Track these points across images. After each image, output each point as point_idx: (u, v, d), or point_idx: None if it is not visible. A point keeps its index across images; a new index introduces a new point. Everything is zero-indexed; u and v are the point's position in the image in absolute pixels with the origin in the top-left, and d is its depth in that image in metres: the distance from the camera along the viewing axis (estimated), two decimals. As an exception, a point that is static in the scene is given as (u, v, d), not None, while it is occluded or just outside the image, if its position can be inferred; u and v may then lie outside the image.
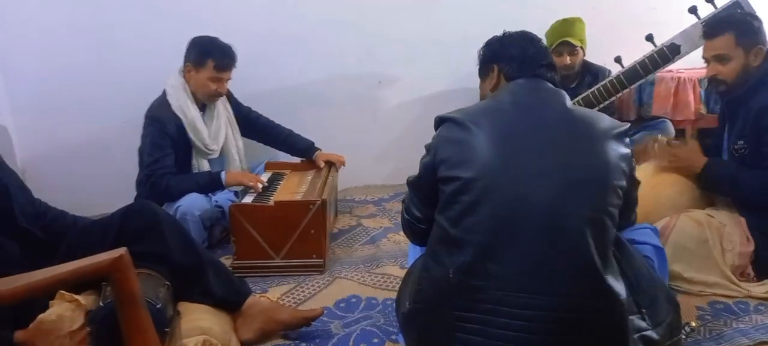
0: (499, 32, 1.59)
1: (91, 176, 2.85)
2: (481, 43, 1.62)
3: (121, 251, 0.78)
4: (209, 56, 2.38)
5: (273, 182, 2.57)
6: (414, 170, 1.54)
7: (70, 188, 2.79)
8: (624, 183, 1.30)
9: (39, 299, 1.49)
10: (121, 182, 2.52)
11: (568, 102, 1.36)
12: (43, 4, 2.64)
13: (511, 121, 1.33)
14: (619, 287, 1.28)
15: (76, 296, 1.53)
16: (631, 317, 1.32)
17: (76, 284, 1.38)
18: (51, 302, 1.51)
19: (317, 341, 1.75)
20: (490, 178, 1.25)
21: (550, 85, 1.42)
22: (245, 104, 2.75)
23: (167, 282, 1.62)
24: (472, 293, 1.26)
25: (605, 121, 1.34)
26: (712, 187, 2.07)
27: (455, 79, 3.21)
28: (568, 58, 2.71)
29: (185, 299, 1.71)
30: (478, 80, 1.64)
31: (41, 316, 1.43)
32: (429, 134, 1.47)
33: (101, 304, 1.48)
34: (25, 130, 2.75)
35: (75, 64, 2.72)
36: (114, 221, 1.70)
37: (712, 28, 1.99)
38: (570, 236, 1.23)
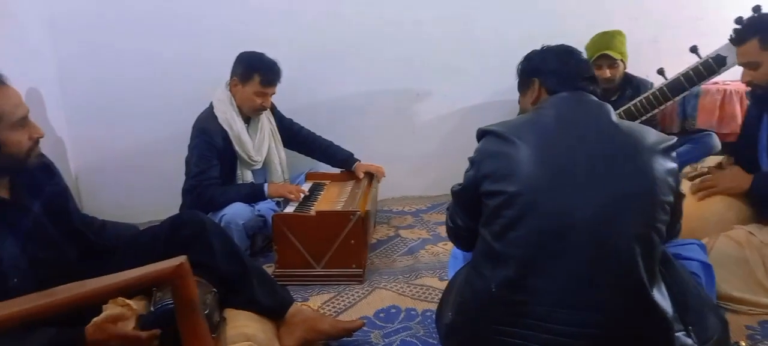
0: (537, 45, 1.60)
1: (140, 184, 2.95)
2: (519, 56, 1.62)
3: (182, 258, 0.82)
4: (255, 71, 2.45)
5: (313, 192, 2.62)
6: (451, 182, 1.55)
7: (119, 195, 2.91)
8: (671, 198, 1.28)
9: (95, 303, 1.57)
10: (168, 190, 2.61)
11: (613, 115, 1.35)
12: (98, 20, 2.76)
13: (554, 135, 1.32)
14: (665, 303, 1.27)
15: (128, 301, 1.60)
16: (677, 334, 1.30)
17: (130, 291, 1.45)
18: (104, 306, 1.58)
19: (358, 350, 1.78)
20: (534, 192, 1.25)
21: (594, 98, 1.41)
22: (287, 116, 2.81)
23: (214, 289, 1.67)
24: (514, 307, 1.27)
25: (652, 135, 1.32)
26: (764, 201, 2.01)
27: (494, 92, 3.21)
28: (607, 71, 2.69)
29: (231, 306, 1.75)
30: (516, 93, 1.65)
31: (95, 319, 1.50)
32: (467, 147, 1.48)
33: (151, 309, 1.54)
34: (78, 141, 2.87)
35: (126, 77, 2.84)
36: (163, 229, 1.76)
37: (737, 35, 1.98)
38: (616, 252, 1.22)
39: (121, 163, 2.95)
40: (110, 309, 1.57)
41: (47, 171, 1.64)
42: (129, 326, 1.52)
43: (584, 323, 1.21)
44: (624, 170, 1.26)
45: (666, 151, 1.30)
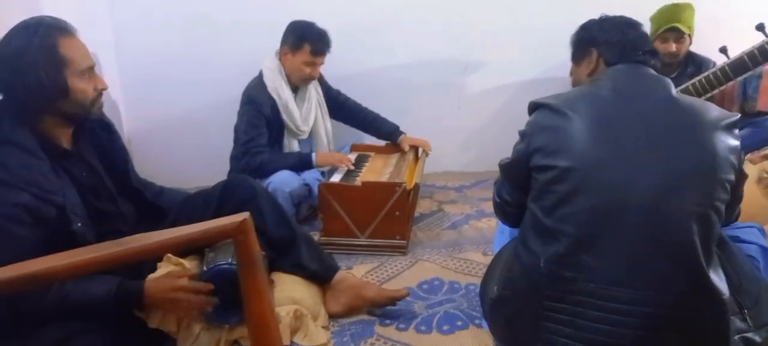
0: (589, 18, 1.55)
1: (189, 150, 3.02)
2: (571, 30, 1.57)
3: (245, 215, 0.84)
4: (306, 40, 2.47)
5: (358, 163, 2.63)
6: (497, 159, 1.53)
7: (169, 161, 2.99)
8: (732, 177, 1.24)
9: (149, 260, 1.63)
10: (217, 157, 2.66)
11: (673, 90, 1.31)
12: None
13: (611, 109, 1.28)
14: (722, 285, 1.24)
15: (181, 260, 1.66)
16: (731, 318, 1.27)
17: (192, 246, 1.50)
18: (158, 263, 1.64)
19: (401, 319, 1.80)
20: (588, 168, 1.22)
21: (653, 72, 1.37)
22: (334, 87, 2.82)
23: (263, 252, 1.71)
24: (564, 284, 1.25)
25: (714, 111, 1.27)
26: None
27: (543, 67, 3.14)
28: (674, 45, 2.59)
29: (278, 270, 1.80)
30: (566, 68, 1.60)
31: (150, 276, 1.56)
32: (513, 123, 1.46)
33: (204, 269, 1.59)
34: (132, 105, 2.96)
35: (179, 45, 2.89)
36: (215, 193, 1.81)
37: None
38: (673, 230, 1.19)
39: (172, 129, 3.03)
40: (164, 267, 1.63)
41: (107, 130, 1.70)
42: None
43: (636, 302, 1.19)
44: (683, 146, 1.22)
45: (729, 128, 1.25)
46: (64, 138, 1.53)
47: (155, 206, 1.81)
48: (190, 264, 1.66)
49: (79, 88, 1.45)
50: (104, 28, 2.81)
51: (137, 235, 0.89)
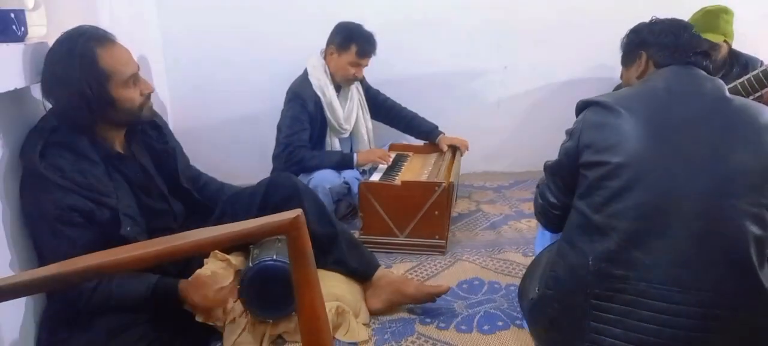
0: (636, 18, 1.54)
1: (233, 148, 3.10)
2: (614, 31, 1.57)
3: (298, 211, 0.86)
4: (353, 42, 2.51)
5: (397, 162, 2.65)
6: (536, 160, 1.52)
7: (214, 160, 3.06)
8: None
9: (196, 255, 1.68)
10: (260, 158, 2.73)
11: (726, 91, 1.29)
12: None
13: (664, 108, 1.28)
14: (774, 289, 1.21)
15: (228, 256, 1.71)
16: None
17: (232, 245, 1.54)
18: (205, 259, 1.69)
19: (442, 317, 1.81)
20: (641, 164, 1.22)
21: (705, 73, 1.35)
22: (374, 87, 2.85)
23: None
24: (613, 282, 1.24)
25: (767, 112, 1.25)
26: None
27: (585, 67, 3.10)
28: None
29: (320, 266, 1.83)
30: (610, 69, 1.59)
31: (198, 271, 1.61)
32: (553, 125, 1.45)
33: (250, 265, 1.64)
34: (178, 106, 3.05)
35: (224, 43, 2.96)
36: (259, 190, 1.85)
37: None
38: (727, 229, 1.17)
39: (216, 128, 3.10)
40: (210, 263, 1.68)
41: (158, 129, 1.76)
42: (228, 280, 1.62)
43: (688, 302, 1.18)
44: (738, 146, 1.21)
45: None
46: (117, 141, 1.59)
47: (203, 202, 1.87)
48: (235, 260, 1.71)
49: (125, 97, 1.49)
50: (153, 31, 2.90)
51: (192, 230, 0.92)
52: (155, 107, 2.76)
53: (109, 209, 1.45)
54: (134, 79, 1.53)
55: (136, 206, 1.57)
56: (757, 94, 2.33)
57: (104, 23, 2.15)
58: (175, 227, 1.74)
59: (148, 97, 1.59)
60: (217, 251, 1.68)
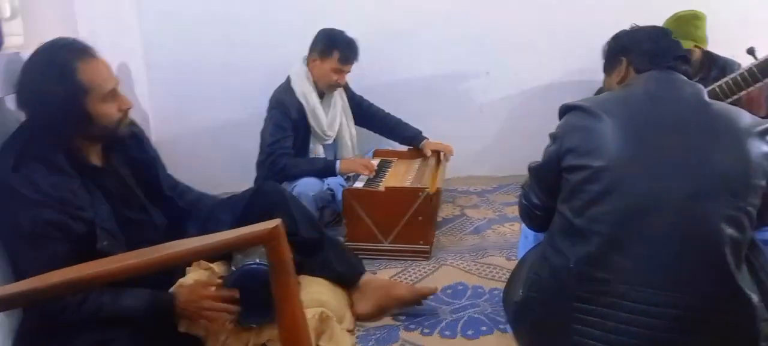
0: (615, 23, 1.57)
1: (217, 156, 3.07)
2: (595, 35, 1.59)
3: (277, 222, 0.86)
4: (335, 48, 2.51)
5: (381, 168, 2.65)
6: (519, 164, 1.54)
7: (196, 168, 3.03)
8: (764, 183, 1.24)
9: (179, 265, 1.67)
10: (242, 165, 2.71)
11: (705, 95, 1.32)
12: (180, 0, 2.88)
13: (644, 112, 1.30)
14: (750, 289, 1.24)
15: (210, 264, 1.69)
16: (761, 324, 1.25)
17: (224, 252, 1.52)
18: (188, 268, 1.67)
19: (426, 323, 1.81)
20: (621, 168, 1.24)
21: (684, 77, 1.37)
22: (358, 94, 2.85)
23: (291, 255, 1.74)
24: (594, 284, 1.26)
25: (747, 117, 1.28)
26: None
27: (567, 71, 3.12)
28: None
29: (305, 272, 1.82)
30: (590, 73, 1.62)
31: (181, 280, 1.60)
32: (535, 128, 1.47)
33: (233, 269, 1.63)
34: (160, 114, 3.02)
35: (206, 51, 2.95)
36: (244, 198, 1.84)
37: None
38: (705, 232, 1.20)
39: (199, 136, 3.08)
40: (194, 272, 1.66)
41: (137, 139, 1.74)
42: (211, 289, 1.61)
43: (666, 304, 1.20)
44: (716, 150, 1.23)
45: (762, 135, 1.26)
46: (95, 154, 1.56)
47: (187, 213, 1.85)
48: (219, 268, 1.69)
49: (103, 113, 1.46)
50: (133, 37, 2.88)
51: (171, 242, 0.91)
52: (136, 115, 2.75)
53: (86, 223, 1.42)
54: (113, 94, 1.49)
55: (114, 220, 1.55)
56: (734, 97, 2.36)
57: (83, 31, 2.13)
58: (157, 237, 1.71)
59: (127, 112, 1.55)
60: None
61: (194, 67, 2.96)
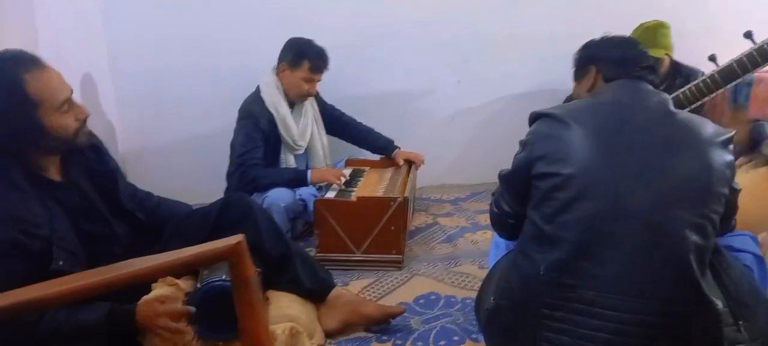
0: (583, 32, 1.60)
1: (187, 167, 3.02)
2: (563, 43, 1.62)
3: (240, 237, 0.84)
4: (305, 57, 2.49)
5: (353, 178, 2.64)
6: (491, 171, 1.54)
7: (165, 179, 2.98)
8: (726, 190, 1.27)
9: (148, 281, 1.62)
10: (213, 175, 2.66)
11: (671, 105, 1.34)
12: (148, 9, 2.83)
13: (611, 120, 1.31)
14: (716, 296, 1.25)
15: (176, 280, 1.65)
16: (726, 329, 1.27)
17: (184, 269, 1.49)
18: (153, 284, 1.63)
19: (398, 334, 1.80)
20: (589, 176, 1.25)
21: (651, 87, 1.39)
22: (329, 103, 2.84)
23: (258, 269, 1.71)
24: (564, 291, 1.26)
25: (709, 126, 1.31)
26: None
27: (535, 80, 3.16)
28: None
29: (274, 287, 1.79)
30: (560, 81, 1.64)
31: (145, 297, 1.55)
32: (506, 136, 1.48)
33: (198, 285, 1.59)
34: (127, 125, 2.96)
35: (175, 63, 2.90)
36: (211, 210, 1.81)
37: None
38: (670, 239, 1.21)
39: (167, 147, 3.03)
40: (159, 288, 1.62)
41: (97, 151, 1.69)
42: (177, 304, 1.57)
43: (634, 310, 1.21)
44: (681, 159, 1.25)
45: (724, 144, 1.29)
46: (52, 168, 1.51)
47: (151, 223, 1.81)
48: (185, 284, 1.66)
49: (58, 125, 1.41)
50: (99, 45, 2.82)
51: (129, 260, 0.88)
52: (101, 126, 2.71)
53: (43, 240, 1.37)
54: (68, 104, 1.44)
55: (74, 235, 1.50)
56: (697, 103, 2.42)
57: (45, 42, 2.08)
58: (120, 251, 1.67)
59: (84, 122, 1.50)
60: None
61: (162, 77, 2.91)
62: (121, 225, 1.71)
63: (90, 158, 1.65)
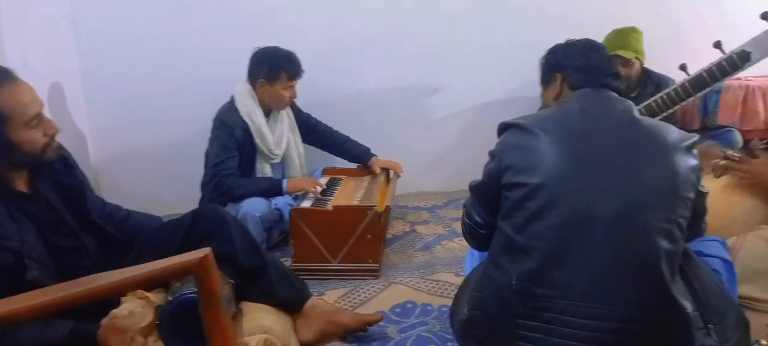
0: (555, 40, 1.59)
1: (160, 179, 2.97)
2: (537, 52, 1.62)
3: (206, 251, 0.82)
4: (281, 69, 2.49)
5: (330, 186, 2.62)
6: (468, 178, 1.54)
7: (139, 190, 2.93)
8: (692, 195, 1.29)
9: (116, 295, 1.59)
10: (188, 185, 2.62)
11: (636, 112, 1.35)
12: (119, 16, 2.79)
13: (578, 129, 1.32)
14: (685, 300, 1.27)
15: (146, 293, 1.62)
16: (697, 333, 1.29)
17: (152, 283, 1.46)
18: (122, 298, 1.60)
19: (374, 344, 1.78)
20: (557, 185, 1.25)
21: (616, 94, 1.41)
22: (305, 111, 2.82)
23: (231, 280, 1.68)
24: (535, 300, 1.26)
25: (674, 132, 1.32)
26: None
27: (511, 87, 3.19)
28: (622, 70, 2.67)
29: (248, 298, 1.77)
30: (535, 88, 1.64)
31: (114, 312, 1.52)
32: (483, 143, 1.48)
33: (169, 298, 1.56)
34: (99, 134, 2.91)
35: (147, 72, 2.86)
36: (184, 222, 1.78)
37: None
38: (640, 245, 1.22)
39: (140, 158, 2.98)
40: (129, 301, 1.59)
41: (65, 163, 1.66)
42: (147, 319, 1.54)
43: (604, 317, 1.21)
44: (647, 166, 1.27)
45: (688, 149, 1.30)
46: (20, 181, 1.49)
47: (121, 237, 1.78)
48: (156, 297, 1.62)
49: (26, 140, 1.39)
50: (70, 55, 2.76)
51: (97, 274, 0.87)
52: (73, 137, 2.66)
53: (12, 253, 1.35)
54: (37, 119, 1.42)
55: (43, 248, 1.47)
56: (669, 111, 2.46)
57: (12, 52, 2.03)
58: (90, 264, 1.64)
59: (53, 137, 1.49)
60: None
61: (135, 87, 2.87)
62: (90, 238, 1.69)
63: (58, 170, 1.63)
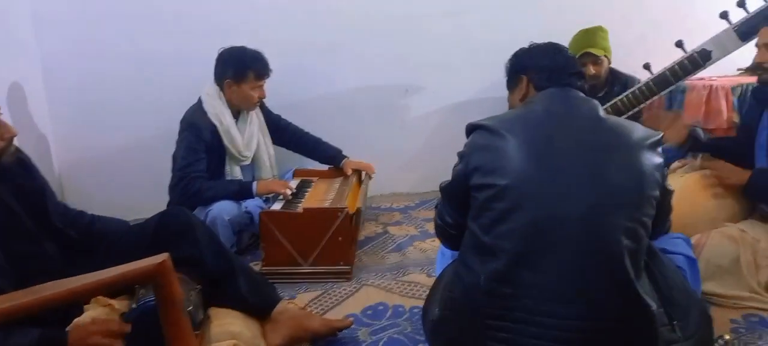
0: (527, 42, 1.61)
1: (125, 182, 2.92)
2: (508, 53, 1.63)
3: (164, 256, 0.81)
4: (248, 68, 2.45)
5: (301, 188, 2.60)
6: (440, 179, 1.55)
7: (104, 194, 2.87)
8: (657, 193, 1.30)
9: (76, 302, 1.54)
10: (155, 188, 2.58)
11: (601, 111, 1.37)
12: (82, 16, 2.73)
13: (544, 129, 1.33)
14: (650, 297, 1.28)
15: (111, 301, 1.58)
16: (661, 329, 1.31)
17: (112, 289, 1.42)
18: (86, 306, 1.56)
19: (345, 347, 1.77)
20: (524, 185, 1.26)
21: (581, 93, 1.42)
22: (275, 112, 2.79)
23: (198, 286, 1.65)
24: (504, 301, 1.27)
25: (639, 130, 1.33)
26: (761, 197, 2.02)
27: (483, 87, 3.21)
28: (592, 68, 2.70)
29: (216, 304, 1.73)
30: (505, 89, 1.65)
31: (77, 320, 1.48)
32: (456, 143, 1.48)
33: (133, 306, 1.53)
34: (62, 138, 2.84)
35: (111, 73, 2.81)
36: (149, 225, 1.74)
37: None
38: (605, 245, 1.23)
39: (106, 161, 2.92)
40: (92, 309, 1.55)
41: (24, 166, 1.62)
42: (111, 325, 1.50)
43: (571, 316, 1.22)
44: (612, 165, 1.27)
45: (652, 147, 1.31)
46: None
47: (86, 241, 1.73)
48: (120, 304, 1.59)
49: None
50: (32, 57, 2.69)
51: (53, 282, 0.84)
52: (35, 141, 2.58)
53: None
54: None
55: (1, 253, 1.43)
56: (635, 109, 2.50)
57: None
58: (52, 269, 1.59)
59: (10, 141, 1.45)
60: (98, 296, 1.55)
61: (100, 88, 2.81)
62: (51, 244, 1.64)
63: (17, 174, 1.58)
